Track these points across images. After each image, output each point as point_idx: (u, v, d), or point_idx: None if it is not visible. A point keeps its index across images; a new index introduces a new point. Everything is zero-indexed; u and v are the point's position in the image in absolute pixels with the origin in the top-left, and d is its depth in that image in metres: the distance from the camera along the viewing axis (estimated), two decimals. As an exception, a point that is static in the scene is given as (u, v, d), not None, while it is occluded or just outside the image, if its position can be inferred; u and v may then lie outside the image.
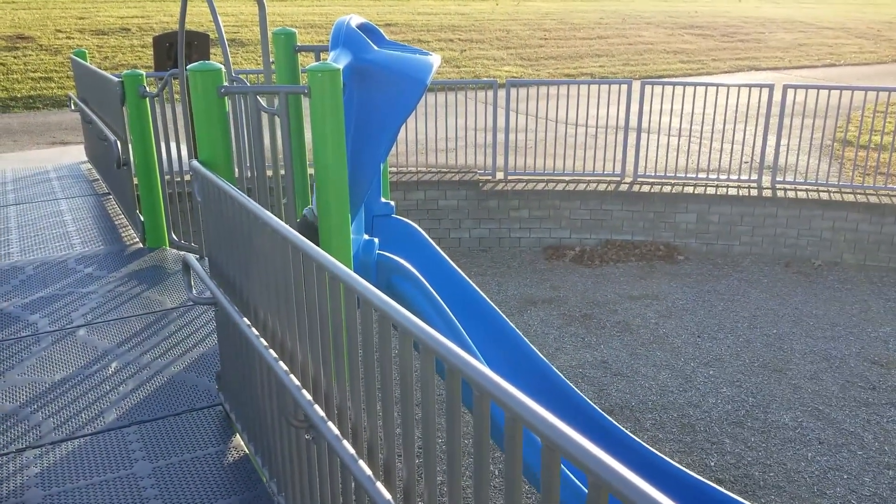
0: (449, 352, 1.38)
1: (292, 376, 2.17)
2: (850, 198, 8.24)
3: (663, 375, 6.11)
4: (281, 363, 2.24)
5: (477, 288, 4.56)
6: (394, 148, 6.15)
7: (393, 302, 1.58)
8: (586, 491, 1.10)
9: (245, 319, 2.54)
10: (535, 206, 8.69)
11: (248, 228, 2.37)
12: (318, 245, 3.11)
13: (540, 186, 8.70)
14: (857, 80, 16.03)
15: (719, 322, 7.05)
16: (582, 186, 8.67)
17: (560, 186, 8.68)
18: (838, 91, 8.66)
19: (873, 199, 8.18)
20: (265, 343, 2.37)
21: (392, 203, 4.63)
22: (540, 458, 1.18)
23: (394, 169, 8.89)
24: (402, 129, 4.66)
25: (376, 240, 3.83)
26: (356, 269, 3.64)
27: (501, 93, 8.98)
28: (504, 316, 4.56)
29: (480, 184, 8.70)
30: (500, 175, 8.94)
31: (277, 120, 3.39)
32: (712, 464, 5.07)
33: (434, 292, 3.82)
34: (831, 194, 8.35)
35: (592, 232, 8.75)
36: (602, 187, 8.64)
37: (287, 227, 2.08)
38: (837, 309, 7.33)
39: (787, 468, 5.03)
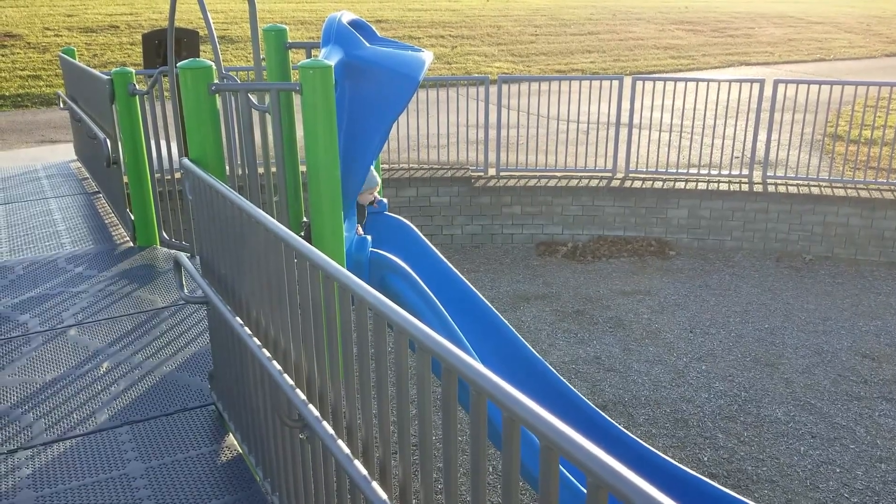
0: (446, 351, 1.37)
1: (286, 376, 2.16)
2: (841, 192, 8.27)
3: (656, 370, 6.12)
4: (274, 362, 2.23)
5: (470, 284, 4.55)
6: (386, 145, 6.12)
7: (388, 300, 1.57)
8: (583, 490, 1.09)
9: (238, 318, 2.52)
10: (527, 202, 8.69)
11: (241, 227, 2.36)
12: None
13: (532, 182, 8.70)
14: (847, 75, 16.09)
15: (711, 317, 7.07)
16: (574, 182, 8.67)
17: (552, 182, 8.68)
18: (828, 86, 8.68)
19: (864, 194, 8.21)
20: (258, 342, 2.36)
21: (385, 200, 4.62)
22: (537, 458, 1.17)
23: (386, 166, 8.87)
24: (395, 125, 4.64)
25: (369, 237, 3.81)
26: (349, 267, 3.63)
27: (493, 89, 8.96)
28: (497, 312, 4.56)
29: (472, 180, 8.69)
30: (492, 171, 8.93)
31: (268, 117, 3.37)
32: (705, 458, 5.08)
33: (427, 289, 3.81)
34: (822, 189, 8.38)
35: (584, 228, 8.75)
36: (594, 183, 8.64)
37: (280, 225, 2.07)
38: (829, 303, 7.36)
39: (779, 462, 5.05)
